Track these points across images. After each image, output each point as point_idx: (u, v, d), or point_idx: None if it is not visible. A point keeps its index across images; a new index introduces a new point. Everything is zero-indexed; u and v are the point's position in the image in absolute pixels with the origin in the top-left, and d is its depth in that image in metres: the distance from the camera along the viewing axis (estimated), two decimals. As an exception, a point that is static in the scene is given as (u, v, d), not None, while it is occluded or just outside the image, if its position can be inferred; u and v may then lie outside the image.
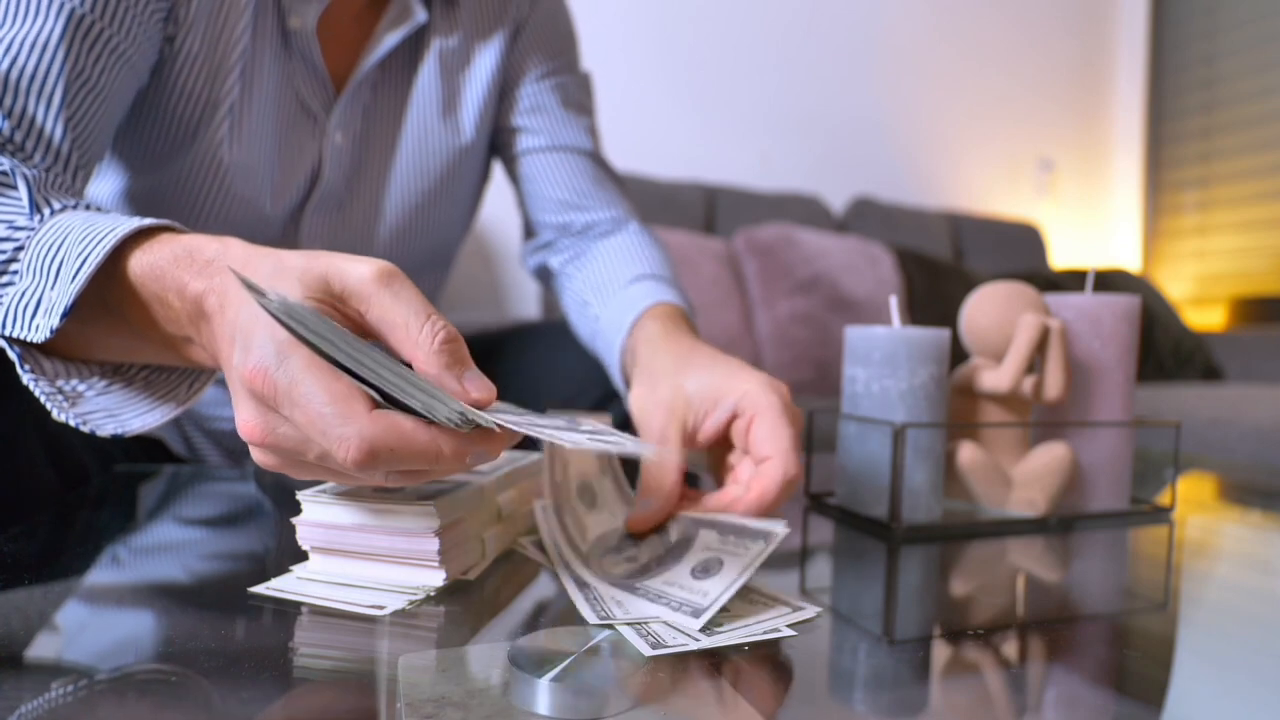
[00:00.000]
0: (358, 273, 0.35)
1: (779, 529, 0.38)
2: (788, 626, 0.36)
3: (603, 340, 0.72)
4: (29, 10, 0.53)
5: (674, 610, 0.35)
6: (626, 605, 0.37)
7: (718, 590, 0.36)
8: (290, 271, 0.36)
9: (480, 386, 0.35)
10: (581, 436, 0.34)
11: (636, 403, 0.52)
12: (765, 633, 0.35)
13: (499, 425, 0.33)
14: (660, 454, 0.47)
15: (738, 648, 0.33)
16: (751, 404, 0.47)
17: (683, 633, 0.34)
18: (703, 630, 0.34)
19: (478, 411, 0.33)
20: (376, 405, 0.33)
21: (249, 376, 0.33)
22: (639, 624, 0.35)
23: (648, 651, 0.32)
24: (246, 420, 0.34)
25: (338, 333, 0.32)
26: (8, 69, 0.52)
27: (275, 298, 0.32)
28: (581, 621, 0.35)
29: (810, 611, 0.37)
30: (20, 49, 0.53)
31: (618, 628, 0.34)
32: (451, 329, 0.35)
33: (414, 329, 0.34)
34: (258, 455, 0.36)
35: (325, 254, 0.37)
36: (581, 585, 0.40)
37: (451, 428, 0.33)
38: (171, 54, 0.63)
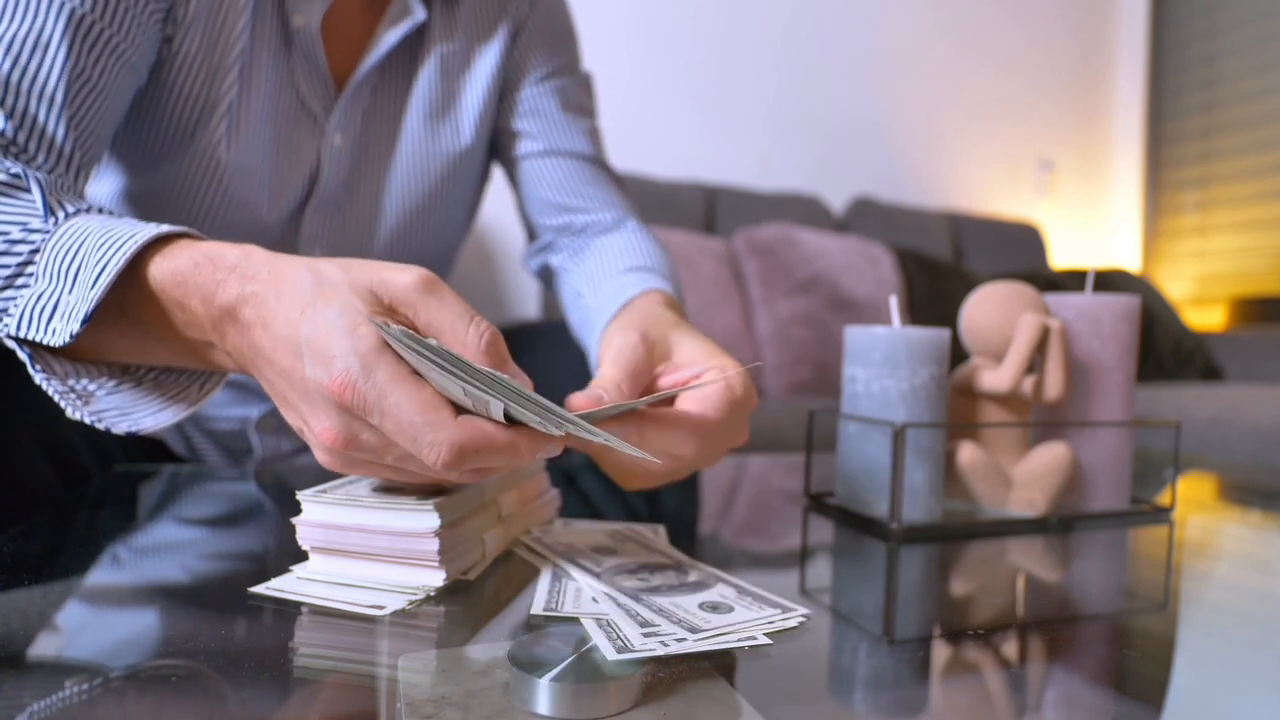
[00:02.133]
0: (403, 282, 0.37)
1: (801, 611, 0.37)
2: (765, 635, 0.34)
3: (587, 326, 0.71)
4: (28, 10, 0.53)
5: (673, 624, 0.34)
6: (583, 602, 0.37)
7: (722, 623, 0.35)
8: (336, 286, 0.37)
9: (521, 383, 0.37)
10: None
11: (611, 333, 0.51)
12: (739, 641, 0.34)
13: (596, 436, 0.35)
14: (627, 375, 0.46)
15: (737, 646, 0.33)
16: (721, 375, 0.47)
17: (652, 639, 0.33)
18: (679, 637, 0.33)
19: (581, 424, 0.35)
20: (459, 412, 0.35)
21: (336, 389, 0.34)
22: (602, 619, 0.34)
23: (612, 655, 0.31)
24: (329, 428, 0.36)
25: (454, 356, 0.34)
26: (9, 69, 0.52)
27: (394, 325, 0.34)
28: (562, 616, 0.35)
29: (792, 620, 0.36)
30: (21, 49, 0.53)
31: (585, 626, 0.34)
32: (493, 329, 0.38)
33: (460, 331, 0.37)
34: (324, 457, 0.38)
35: (362, 264, 0.38)
36: (556, 578, 0.40)
37: (533, 429, 0.35)
38: (170, 54, 0.63)
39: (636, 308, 0.61)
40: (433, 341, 0.34)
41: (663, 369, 0.49)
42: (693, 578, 0.42)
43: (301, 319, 0.36)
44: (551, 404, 0.36)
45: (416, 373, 0.35)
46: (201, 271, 0.40)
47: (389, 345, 0.35)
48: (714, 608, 0.37)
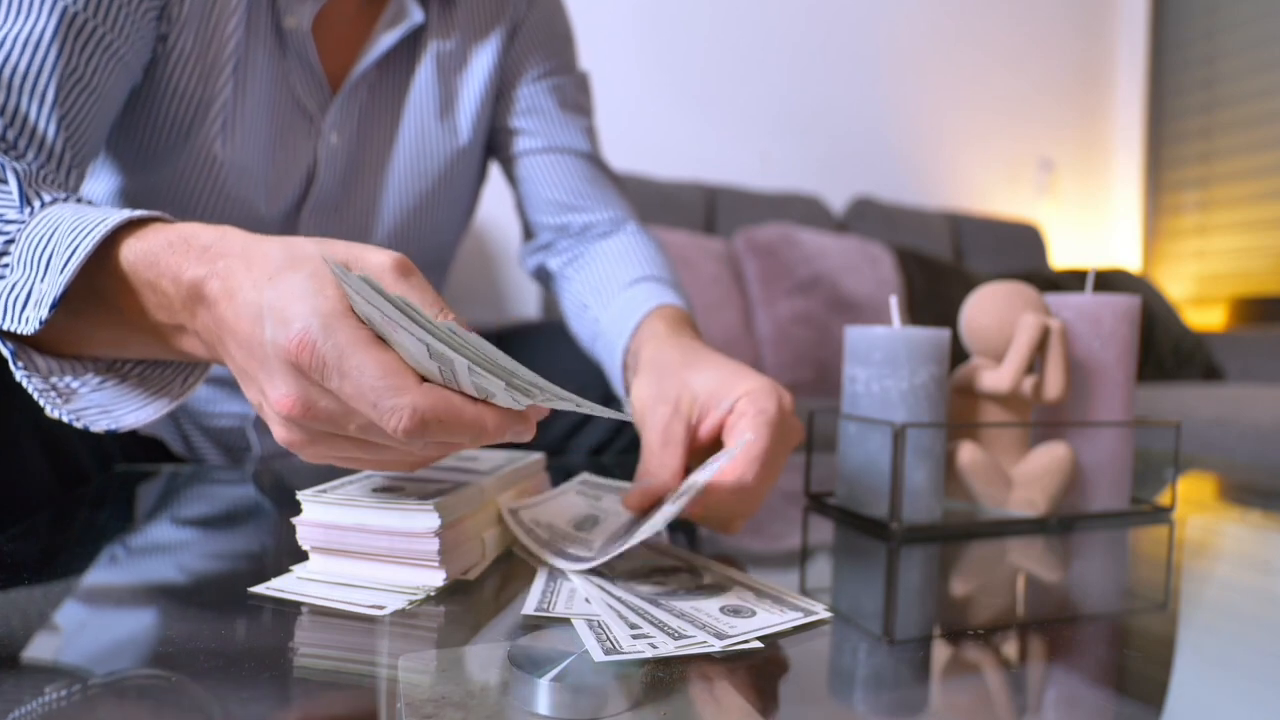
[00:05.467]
0: (376, 261, 0.36)
1: (820, 610, 0.37)
2: (758, 640, 0.34)
3: (604, 343, 0.71)
4: (22, 8, 0.53)
5: (698, 629, 0.34)
6: (575, 602, 0.37)
7: (746, 629, 0.35)
8: (310, 257, 0.36)
9: None
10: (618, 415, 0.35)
11: (640, 398, 0.52)
12: (736, 644, 0.33)
13: (567, 400, 0.34)
14: (664, 451, 0.47)
15: (727, 651, 0.33)
16: (749, 402, 0.47)
17: (640, 640, 0.32)
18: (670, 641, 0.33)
19: (551, 389, 0.34)
20: (424, 381, 0.34)
21: (293, 348, 0.33)
22: (593, 621, 0.34)
23: (599, 656, 0.30)
24: (285, 394, 0.34)
25: (417, 310, 0.33)
26: (0, 67, 0.52)
27: (355, 274, 0.32)
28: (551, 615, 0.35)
29: (789, 622, 0.36)
30: (13, 47, 0.53)
31: (576, 627, 0.34)
32: (462, 321, 0.36)
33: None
34: (283, 432, 0.36)
35: (338, 242, 0.37)
36: (552, 579, 0.40)
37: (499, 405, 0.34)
38: (164, 52, 0.63)
39: (646, 345, 0.60)
40: (396, 295, 0.33)
41: (698, 419, 0.49)
42: (707, 579, 0.41)
43: (268, 284, 0.35)
44: (520, 366, 0.34)
45: (380, 338, 0.34)
46: (175, 251, 0.40)
47: (352, 310, 0.34)
48: (735, 611, 0.37)
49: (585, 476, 0.53)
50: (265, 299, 0.35)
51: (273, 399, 0.35)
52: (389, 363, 0.33)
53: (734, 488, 0.44)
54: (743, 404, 0.47)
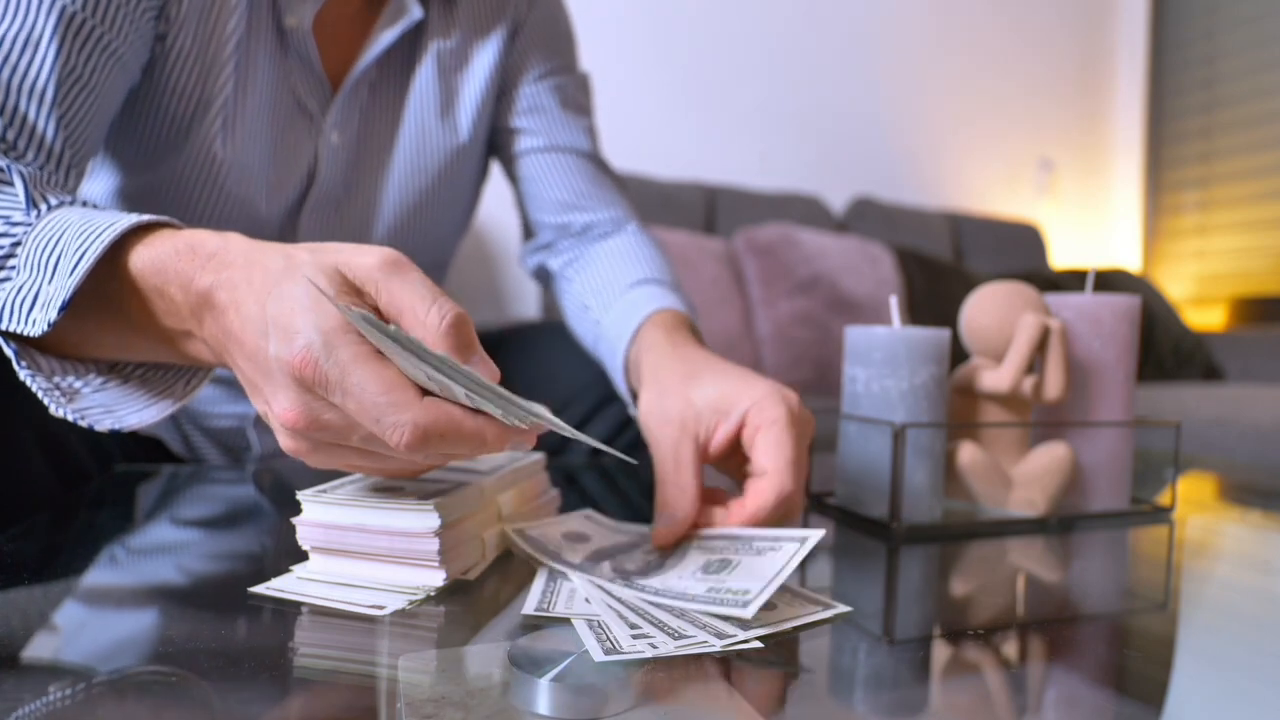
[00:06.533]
0: (366, 262, 0.36)
1: (839, 606, 0.38)
2: (759, 640, 0.34)
3: (606, 346, 0.71)
4: (20, 8, 0.53)
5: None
6: (575, 602, 0.37)
7: (769, 620, 0.35)
8: (303, 267, 0.36)
9: (487, 371, 0.36)
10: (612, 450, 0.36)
11: (646, 415, 0.52)
12: (731, 645, 0.33)
13: (563, 429, 0.35)
14: (678, 474, 0.47)
15: (725, 651, 0.33)
16: (759, 414, 0.47)
17: (640, 640, 0.32)
18: (670, 639, 0.33)
19: (546, 416, 0.34)
20: (424, 394, 0.34)
21: (296, 365, 0.33)
22: (593, 621, 0.34)
23: (599, 656, 0.30)
24: (289, 407, 0.35)
25: (414, 341, 0.33)
26: None
27: (355, 309, 0.33)
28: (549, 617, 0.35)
29: (810, 616, 0.37)
30: (11, 47, 0.53)
31: (576, 627, 0.34)
32: (459, 311, 0.36)
33: (421, 312, 0.35)
34: (288, 441, 0.37)
35: (330, 246, 0.38)
36: (552, 578, 0.40)
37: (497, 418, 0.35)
38: (163, 52, 0.63)
39: (646, 354, 0.61)
40: (393, 328, 0.33)
41: (706, 436, 0.49)
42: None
43: (269, 298, 0.36)
44: (514, 395, 0.35)
45: (380, 353, 0.34)
46: (181, 259, 0.40)
47: (351, 324, 0.34)
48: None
49: (589, 512, 0.53)
50: (269, 312, 0.35)
51: (277, 411, 0.35)
52: (390, 378, 0.33)
53: (781, 500, 0.46)
54: (753, 416, 0.48)
